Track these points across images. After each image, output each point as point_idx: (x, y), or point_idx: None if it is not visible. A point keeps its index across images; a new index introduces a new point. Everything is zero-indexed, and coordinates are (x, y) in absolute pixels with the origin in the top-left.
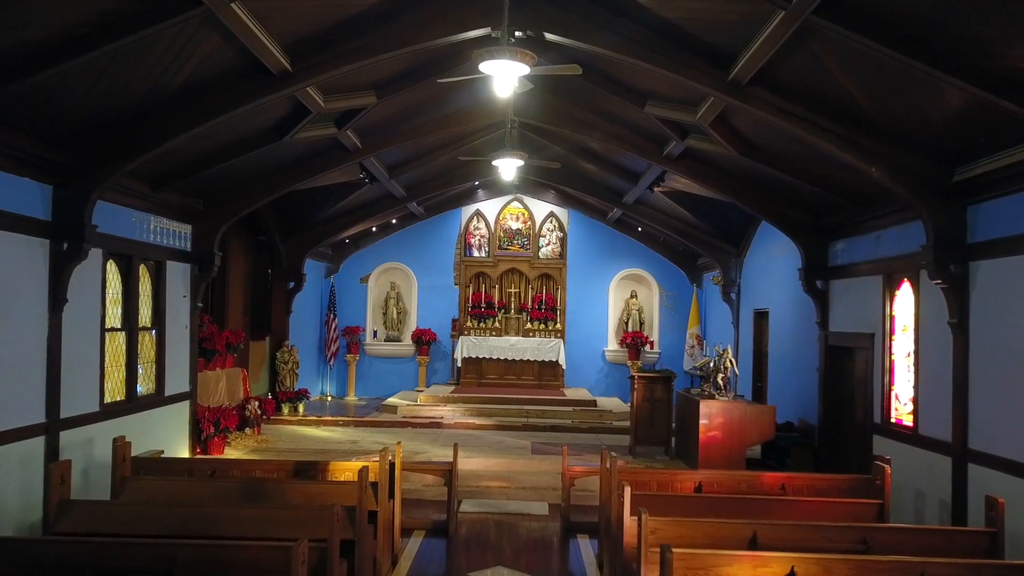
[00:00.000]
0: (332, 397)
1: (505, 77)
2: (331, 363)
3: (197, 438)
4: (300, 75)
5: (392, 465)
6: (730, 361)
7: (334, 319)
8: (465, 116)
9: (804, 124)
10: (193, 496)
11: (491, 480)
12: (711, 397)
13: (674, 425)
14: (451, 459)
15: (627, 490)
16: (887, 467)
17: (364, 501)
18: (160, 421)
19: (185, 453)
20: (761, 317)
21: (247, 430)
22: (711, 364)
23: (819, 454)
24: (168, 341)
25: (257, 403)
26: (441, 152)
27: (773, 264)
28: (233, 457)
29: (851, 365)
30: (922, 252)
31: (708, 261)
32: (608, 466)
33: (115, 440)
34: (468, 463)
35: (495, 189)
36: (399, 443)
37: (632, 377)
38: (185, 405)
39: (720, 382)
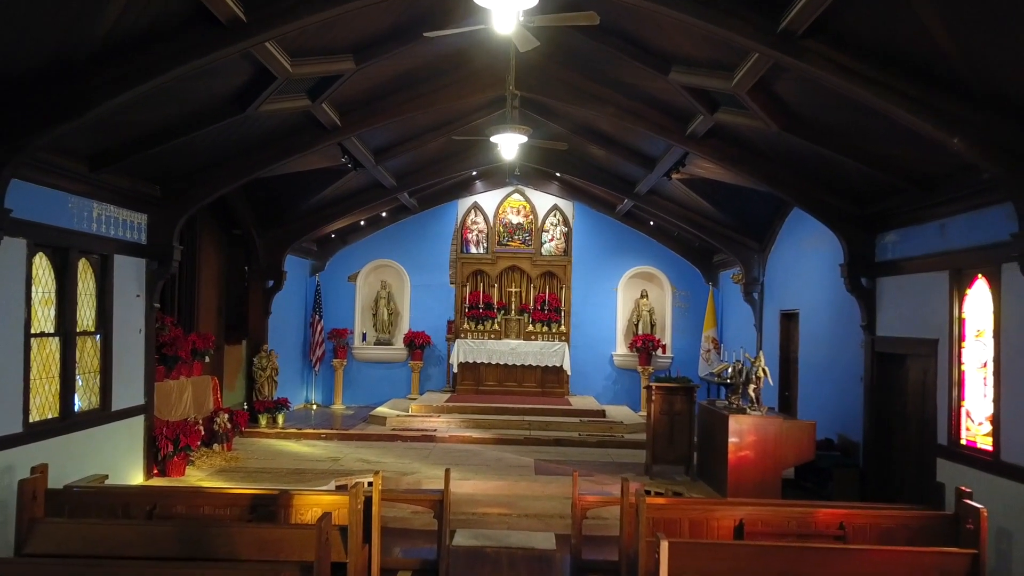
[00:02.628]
0: (317, 406)
1: (506, 12)
2: (316, 369)
3: (154, 458)
4: (255, 26)
5: (369, 500)
6: (763, 370)
7: (319, 321)
8: (460, 89)
9: (871, 85)
10: (116, 545)
11: (489, 506)
12: (741, 411)
13: (696, 439)
14: (442, 487)
15: (664, 546)
16: (983, 509)
17: (324, 557)
18: (106, 441)
19: (139, 476)
20: (789, 319)
21: (215, 446)
22: (730, 370)
23: (866, 477)
24: (117, 347)
25: (227, 416)
26: (433, 135)
27: (804, 260)
28: (190, 483)
29: (904, 375)
30: (1012, 242)
31: (725, 258)
32: (634, 503)
33: (33, 469)
34: (463, 486)
35: (494, 180)
36: (377, 473)
37: (649, 387)
38: (139, 420)
39: (752, 394)
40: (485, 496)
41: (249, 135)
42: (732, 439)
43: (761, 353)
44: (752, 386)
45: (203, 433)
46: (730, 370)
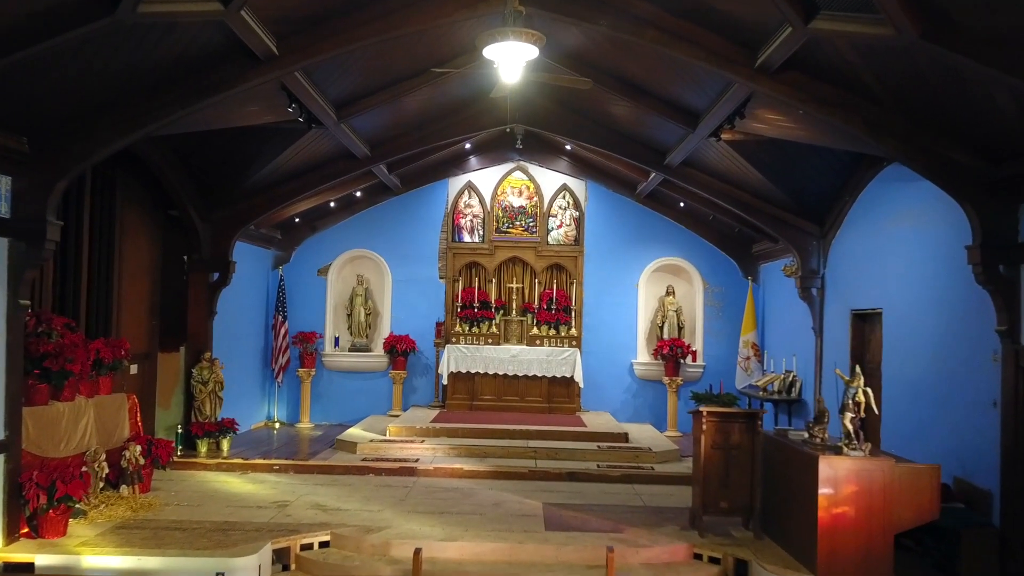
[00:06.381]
0: (281, 424)
1: None
2: (279, 379)
3: (22, 512)
4: None
5: None
6: (864, 392)
7: (283, 323)
8: (438, 4)
9: None
10: None
11: None
12: (834, 449)
13: (758, 480)
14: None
15: None
16: None
17: None
18: None
19: None
20: (864, 320)
21: (124, 488)
22: (776, 384)
23: (1007, 543)
24: None
25: (139, 448)
26: (411, 84)
27: (892, 244)
28: (66, 549)
29: None
30: None
31: (769, 247)
32: None
33: None
34: (447, 549)
35: (492, 154)
36: None
37: (698, 413)
38: None
39: (849, 426)
40: (477, 566)
41: (147, 64)
42: (824, 490)
43: (859, 370)
44: (849, 415)
45: (108, 471)
46: (776, 384)
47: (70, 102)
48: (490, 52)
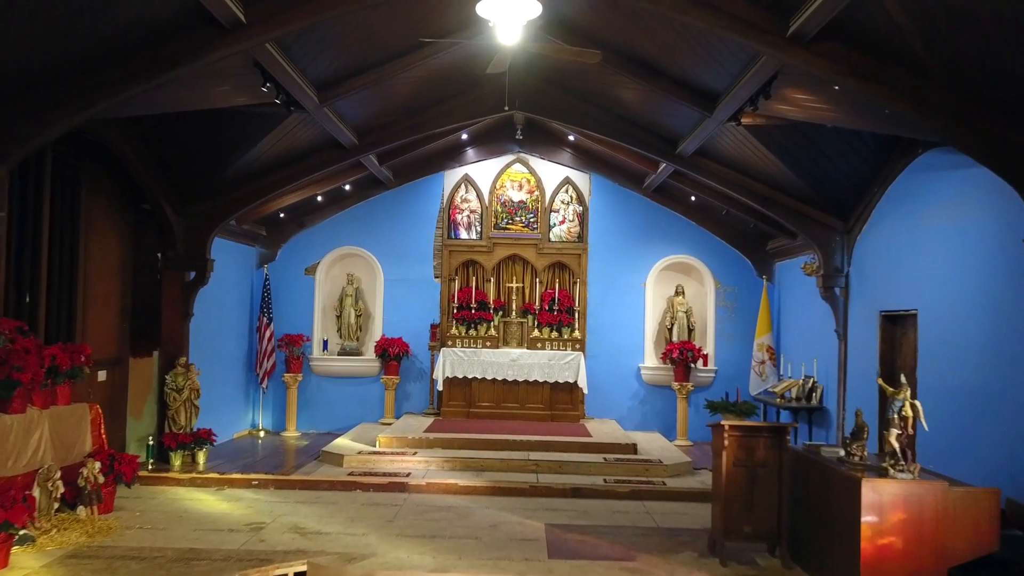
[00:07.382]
0: (266, 432)
1: None
2: (264, 385)
3: None
4: None
5: None
6: (912, 406)
7: (268, 325)
8: None
9: None
10: None
11: None
12: (879, 471)
13: (785, 500)
14: None
15: None
16: None
17: None
18: None
19: None
20: (895, 323)
21: (82, 510)
22: (794, 391)
23: None
24: None
25: (99, 464)
26: (401, 63)
27: (928, 240)
28: None
29: None
30: None
31: (785, 244)
32: None
33: None
34: None
35: (491, 146)
36: None
37: (719, 426)
38: None
39: (896, 443)
40: None
41: (95, 33)
42: (868, 517)
43: (904, 380)
44: (895, 431)
45: (64, 490)
46: (794, 391)
47: (7, 76)
48: (485, 8)
